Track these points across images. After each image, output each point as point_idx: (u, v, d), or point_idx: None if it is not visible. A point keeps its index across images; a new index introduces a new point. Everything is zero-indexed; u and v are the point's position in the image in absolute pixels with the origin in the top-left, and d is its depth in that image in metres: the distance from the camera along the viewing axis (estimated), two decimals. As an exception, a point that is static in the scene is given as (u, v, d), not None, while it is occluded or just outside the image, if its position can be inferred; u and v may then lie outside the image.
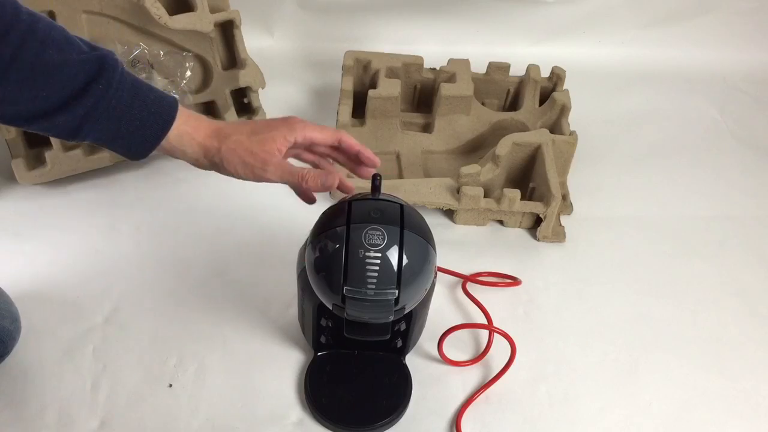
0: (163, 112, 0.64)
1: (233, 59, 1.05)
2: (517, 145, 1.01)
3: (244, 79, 1.03)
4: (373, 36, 1.31)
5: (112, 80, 0.60)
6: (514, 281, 0.94)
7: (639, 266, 0.99)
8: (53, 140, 0.97)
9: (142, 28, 0.98)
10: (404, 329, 0.80)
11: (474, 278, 0.93)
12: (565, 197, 1.06)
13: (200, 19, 0.97)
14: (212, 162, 0.68)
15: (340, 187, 0.70)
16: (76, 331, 0.85)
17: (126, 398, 0.79)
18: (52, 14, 0.94)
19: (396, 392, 0.81)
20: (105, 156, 1.01)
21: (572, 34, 1.35)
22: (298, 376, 0.83)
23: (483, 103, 1.17)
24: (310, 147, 0.72)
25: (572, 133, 1.05)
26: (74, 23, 0.96)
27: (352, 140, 0.72)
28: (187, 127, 0.65)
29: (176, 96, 0.66)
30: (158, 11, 0.94)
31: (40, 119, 0.60)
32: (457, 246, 0.99)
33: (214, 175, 1.08)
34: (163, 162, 1.06)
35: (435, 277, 0.74)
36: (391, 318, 0.71)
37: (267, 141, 0.67)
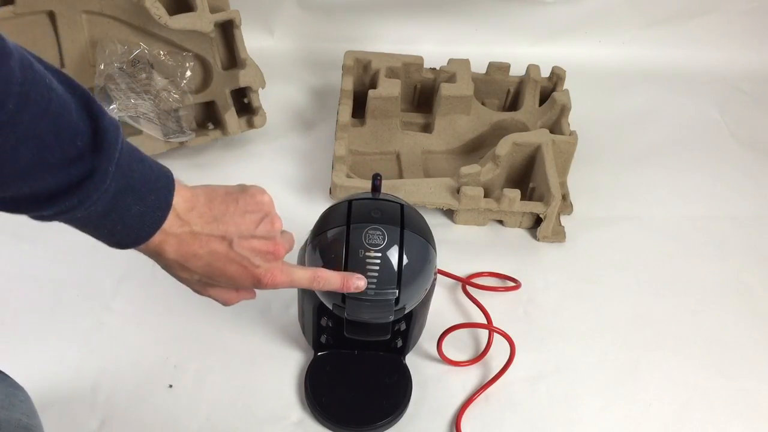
0: (141, 228, 0.53)
1: (233, 59, 1.05)
2: (517, 145, 1.01)
3: (244, 79, 1.02)
4: (373, 36, 1.31)
5: (86, 200, 0.48)
6: (515, 284, 0.94)
7: (639, 266, 0.99)
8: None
9: (142, 28, 0.98)
10: (404, 329, 0.80)
11: (473, 283, 0.93)
12: (565, 197, 1.06)
13: (200, 19, 0.97)
14: None
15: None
16: (75, 330, 0.85)
17: (126, 398, 0.79)
18: (52, 14, 0.94)
19: (396, 392, 0.81)
20: (105, 156, 1.01)
21: (572, 34, 1.35)
22: (298, 376, 0.83)
23: (483, 103, 1.17)
24: None
25: (572, 133, 1.05)
26: (74, 23, 0.96)
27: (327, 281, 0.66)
28: (158, 247, 0.56)
29: (167, 211, 0.53)
30: (158, 11, 0.94)
31: None
32: (457, 246, 0.99)
33: (215, 175, 1.09)
34: (163, 162, 1.06)
35: (435, 276, 0.74)
36: (392, 318, 0.71)
37: (213, 288, 0.61)
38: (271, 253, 0.59)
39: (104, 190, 0.48)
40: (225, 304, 0.64)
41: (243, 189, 0.59)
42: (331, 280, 0.65)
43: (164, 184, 0.53)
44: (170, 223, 0.54)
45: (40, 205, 0.47)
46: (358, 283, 0.66)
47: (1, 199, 0.47)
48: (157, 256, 0.56)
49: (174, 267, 0.58)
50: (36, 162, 0.45)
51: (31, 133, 0.44)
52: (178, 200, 0.54)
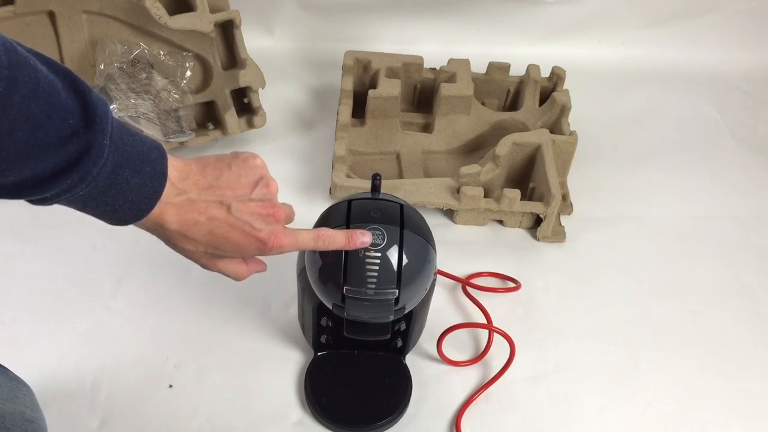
0: (141, 201, 0.53)
1: (233, 59, 1.05)
2: (517, 145, 1.01)
3: (244, 79, 1.02)
4: (373, 36, 1.31)
5: (87, 176, 0.48)
6: (515, 286, 0.93)
7: (639, 266, 0.99)
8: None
9: (142, 28, 0.98)
10: (404, 329, 0.80)
11: (473, 284, 0.93)
12: (565, 197, 1.06)
13: (200, 19, 0.97)
14: None
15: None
16: (75, 330, 0.85)
17: (126, 398, 0.79)
18: (52, 14, 0.94)
19: (396, 392, 0.81)
20: (105, 156, 1.01)
21: (572, 34, 1.35)
22: (298, 376, 0.83)
23: (483, 103, 1.17)
24: None
25: (572, 133, 1.05)
26: (74, 23, 0.96)
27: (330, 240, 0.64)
28: (158, 218, 0.56)
29: (163, 179, 0.54)
30: (158, 11, 0.94)
31: None
32: (457, 246, 0.99)
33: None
34: (163, 162, 1.06)
35: (435, 277, 0.74)
36: (391, 318, 0.71)
37: (223, 260, 0.60)
38: (270, 216, 0.59)
39: (102, 164, 0.49)
40: (237, 278, 0.63)
41: (235, 155, 0.60)
42: (335, 237, 0.64)
43: (157, 155, 0.53)
44: (168, 193, 0.54)
45: (42, 187, 0.48)
46: (363, 239, 0.65)
47: (2, 186, 0.47)
48: (160, 229, 0.56)
49: (177, 238, 0.57)
50: (32, 144, 0.45)
51: (24, 115, 0.44)
52: (172, 170, 0.55)
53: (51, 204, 0.50)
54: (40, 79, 0.45)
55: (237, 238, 0.58)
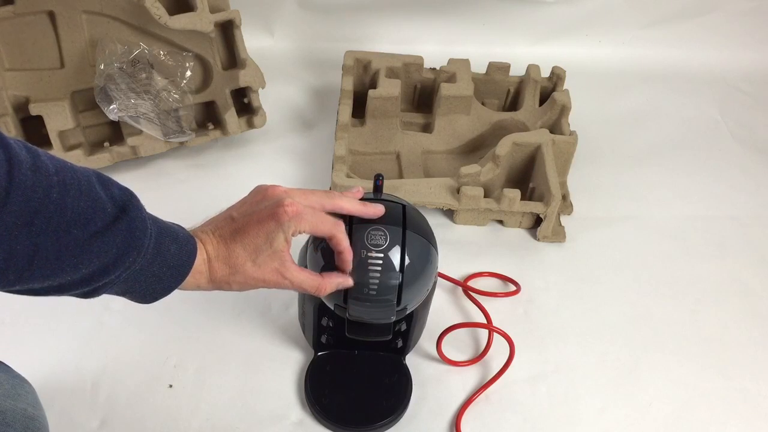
0: (181, 264, 0.58)
1: (233, 59, 1.05)
2: (517, 145, 1.01)
3: (244, 79, 1.02)
4: (373, 36, 1.31)
5: (141, 248, 0.52)
6: (515, 289, 0.93)
7: (639, 266, 0.99)
8: (53, 140, 0.97)
9: (142, 28, 0.98)
10: (405, 329, 0.80)
11: (474, 288, 0.93)
12: (565, 197, 1.06)
13: (200, 19, 0.97)
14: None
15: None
16: (75, 330, 0.85)
17: (126, 398, 0.79)
18: (52, 14, 0.94)
19: (396, 392, 0.81)
20: (105, 156, 1.01)
21: (572, 34, 1.35)
22: (298, 376, 0.83)
23: (483, 103, 1.17)
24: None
25: (572, 133, 1.05)
26: (74, 23, 0.96)
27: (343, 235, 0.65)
28: (199, 267, 0.60)
29: (194, 238, 0.60)
30: (158, 11, 0.94)
31: (53, 292, 0.52)
32: (457, 246, 0.99)
33: (214, 177, 1.08)
34: (163, 162, 1.06)
35: (436, 278, 0.74)
36: (393, 318, 0.71)
37: (274, 258, 0.61)
38: (267, 197, 0.61)
39: (150, 235, 0.53)
40: (317, 291, 0.65)
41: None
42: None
43: (177, 227, 0.59)
44: (199, 253, 0.59)
45: (107, 271, 0.51)
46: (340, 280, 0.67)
47: (73, 281, 0.50)
48: (227, 270, 0.61)
49: (219, 269, 0.61)
50: (87, 238, 0.48)
51: (76, 213, 0.47)
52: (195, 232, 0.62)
53: (102, 293, 0.53)
54: (81, 179, 0.48)
55: (255, 227, 0.60)
